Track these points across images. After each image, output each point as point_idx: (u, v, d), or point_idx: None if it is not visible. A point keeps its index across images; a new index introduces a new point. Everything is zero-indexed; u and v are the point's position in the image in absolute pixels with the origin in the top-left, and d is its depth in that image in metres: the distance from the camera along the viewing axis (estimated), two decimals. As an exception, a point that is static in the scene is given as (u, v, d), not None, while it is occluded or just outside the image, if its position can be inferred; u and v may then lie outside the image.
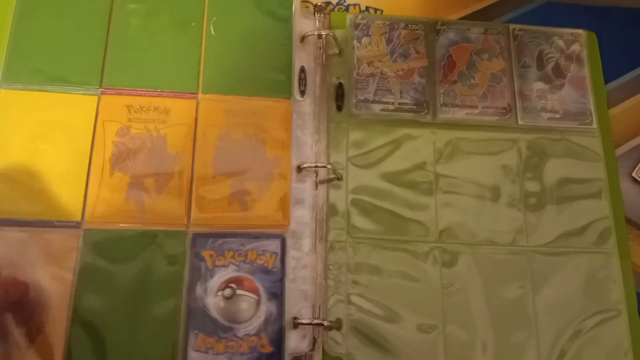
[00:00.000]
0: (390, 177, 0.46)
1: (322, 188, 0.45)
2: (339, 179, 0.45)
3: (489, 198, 0.46)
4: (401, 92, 0.49)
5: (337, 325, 0.42)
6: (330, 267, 0.43)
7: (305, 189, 0.45)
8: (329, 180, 0.45)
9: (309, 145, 0.46)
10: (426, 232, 0.45)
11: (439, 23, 0.51)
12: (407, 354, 0.42)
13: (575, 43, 0.52)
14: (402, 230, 0.45)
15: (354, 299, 0.43)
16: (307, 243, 0.43)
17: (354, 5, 0.52)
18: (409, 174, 0.46)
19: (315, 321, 0.41)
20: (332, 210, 0.45)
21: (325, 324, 0.41)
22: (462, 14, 0.53)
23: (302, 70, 0.48)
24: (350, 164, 0.46)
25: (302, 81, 0.47)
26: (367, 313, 0.43)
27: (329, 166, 0.45)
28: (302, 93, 0.47)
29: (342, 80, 0.48)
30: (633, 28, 0.54)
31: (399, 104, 0.48)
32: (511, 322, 0.43)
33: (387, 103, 0.48)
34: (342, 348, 0.42)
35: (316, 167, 0.45)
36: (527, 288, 0.44)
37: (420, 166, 0.47)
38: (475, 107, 0.49)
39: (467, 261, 0.44)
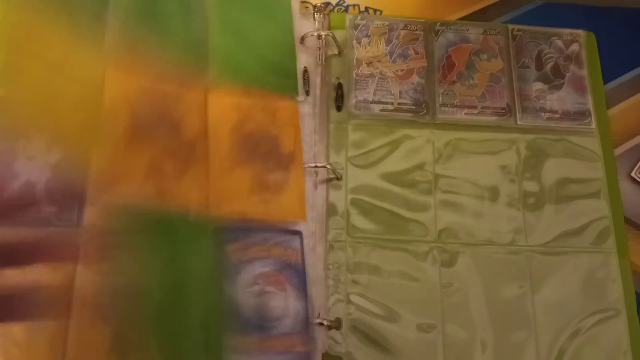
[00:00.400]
0: (389, 177, 0.46)
1: (321, 188, 0.45)
2: (339, 179, 0.46)
3: (488, 198, 0.46)
4: (400, 93, 0.49)
5: (336, 324, 0.42)
6: (330, 266, 0.43)
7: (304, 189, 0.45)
8: (328, 180, 0.45)
9: (308, 145, 0.46)
10: (425, 232, 0.45)
11: (438, 23, 0.51)
12: (407, 353, 0.42)
13: (574, 43, 0.52)
14: (401, 230, 0.45)
15: (353, 298, 0.43)
16: (310, 242, 0.43)
17: (353, 5, 0.52)
18: (408, 174, 0.46)
19: (316, 320, 0.41)
20: (331, 210, 0.45)
21: (325, 323, 0.41)
22: (461, 14, 0.53)
23: (305, 70, 0.48)
24: (350, 164, 0.46)
25: (306, 81, 0.47)
26: (366, 312, 0.43)
27: (328, 166, 0.45)
28: (307, 93, 0.47)
29: (341, 81, 0.49)
30: (632, 28, 0.54)
31: (398, 104, 0.48)
32: (510, 321, 0.43)
33: (387, 103, 0.48)
34: (341, 347, 0.42)
35: (316, 167, 0.45)
36: (526, 288, 0.44)
37: (420, 166, 0.47)
38: (474, 107, 0.49)
39: (466, 261, 0.44)
